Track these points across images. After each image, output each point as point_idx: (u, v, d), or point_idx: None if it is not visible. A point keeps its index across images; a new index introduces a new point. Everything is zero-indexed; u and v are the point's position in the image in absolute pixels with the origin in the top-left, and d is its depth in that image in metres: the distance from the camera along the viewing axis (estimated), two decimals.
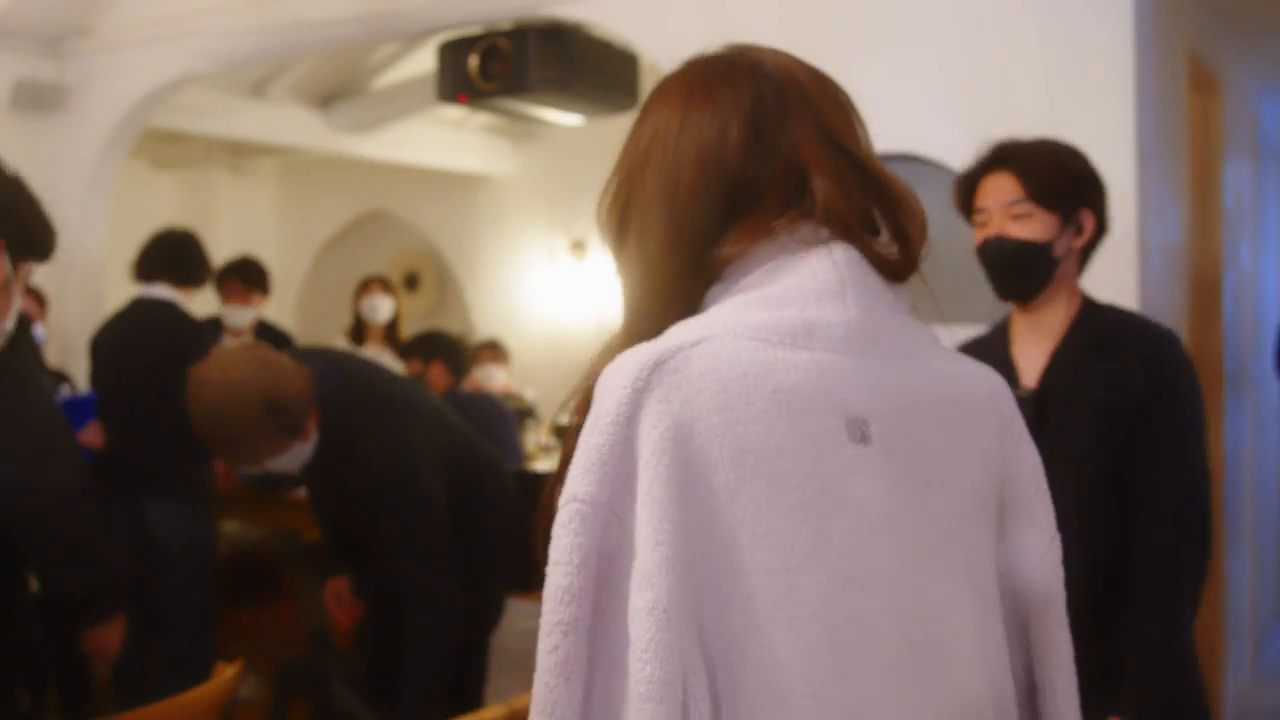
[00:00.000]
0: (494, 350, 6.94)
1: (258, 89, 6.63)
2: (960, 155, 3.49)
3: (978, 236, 2.49)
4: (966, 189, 2.50)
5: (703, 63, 1.31)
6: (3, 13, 4.99)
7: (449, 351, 5.67)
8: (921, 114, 3.57)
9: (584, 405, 1.18)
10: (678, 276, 1.21)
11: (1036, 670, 1.28)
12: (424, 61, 6.26)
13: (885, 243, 1.25)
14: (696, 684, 1.06)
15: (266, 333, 5.58)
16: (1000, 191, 2.42)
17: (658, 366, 1.10)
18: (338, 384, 3.11)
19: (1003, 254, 2.43)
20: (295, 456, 3.07)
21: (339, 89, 7.00)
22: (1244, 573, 5.42)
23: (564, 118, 4.91)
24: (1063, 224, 2.40)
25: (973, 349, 2.57)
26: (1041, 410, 2.37)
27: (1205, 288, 4.52)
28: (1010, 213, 2.40)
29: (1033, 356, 2.49)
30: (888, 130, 3.59)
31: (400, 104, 6.94)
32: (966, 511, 1.21)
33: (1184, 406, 2.38)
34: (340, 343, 6.41)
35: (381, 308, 6.29)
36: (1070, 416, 2.35)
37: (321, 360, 3.17)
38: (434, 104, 6.23)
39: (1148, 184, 3.42)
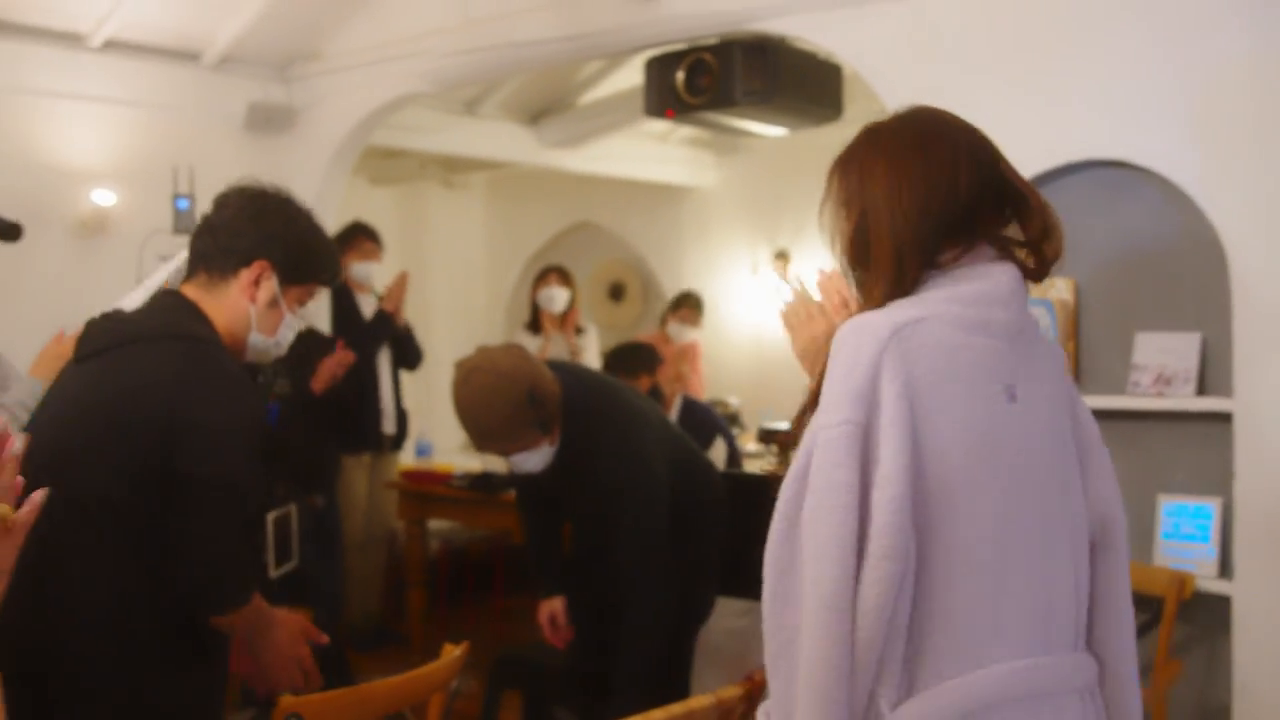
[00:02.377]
0: (688, 308, 7.06)
1: (470, 107, 6.90)
2: (1169, 161, 3.46)
3: None
4: None
5: (910, 118, 1.78)
6: (238, 41, 5.34)
7: (649, 362, 5.77)
8: (1130, 120, 3.53)
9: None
10: (913, 274, 1.70)
11: (1098, 590, 1.76)
12: (629, 77, 6.43)
13: (1024, 254, 1.74)
14: (910, 549, 1.57)
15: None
16: None
17: (894, 334, 1.61)
18: (580, 392, 3.31)
19: None
20: (538, 456, 3.25)
21: (547, 105, 7.22)
22: None
23: (768, 130, 4.99)
24: None
25: None
26: None
27: None
28: None
29: None
30: (1096, 135, 3.61)
31: (606, 119, 7.12)
32: (1069, 452, 1.74)
33: None
34: (519, 334, 6.65)
35: (558, 298, 6.50)
36: None
37: (563, 371, 3.38)
38: (639, 118, 6.39)
39: None
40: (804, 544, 1.58)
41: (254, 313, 2.46)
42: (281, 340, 2.52)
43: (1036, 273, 1.75)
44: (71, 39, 5.01)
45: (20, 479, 1.26)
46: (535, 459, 3.26)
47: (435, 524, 6.50)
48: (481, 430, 3.22)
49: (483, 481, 5.58)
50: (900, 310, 1.65)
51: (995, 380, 1.66)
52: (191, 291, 2.46)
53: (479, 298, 9.36)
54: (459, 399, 3.20)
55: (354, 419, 5.64)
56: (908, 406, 1.59)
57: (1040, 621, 1.67)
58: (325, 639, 2.63)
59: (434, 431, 7.39)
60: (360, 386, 5.46)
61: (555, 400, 3.21)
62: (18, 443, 1.23)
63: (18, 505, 1.28)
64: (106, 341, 2.39)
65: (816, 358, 1.84)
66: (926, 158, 1.71)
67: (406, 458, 6.88)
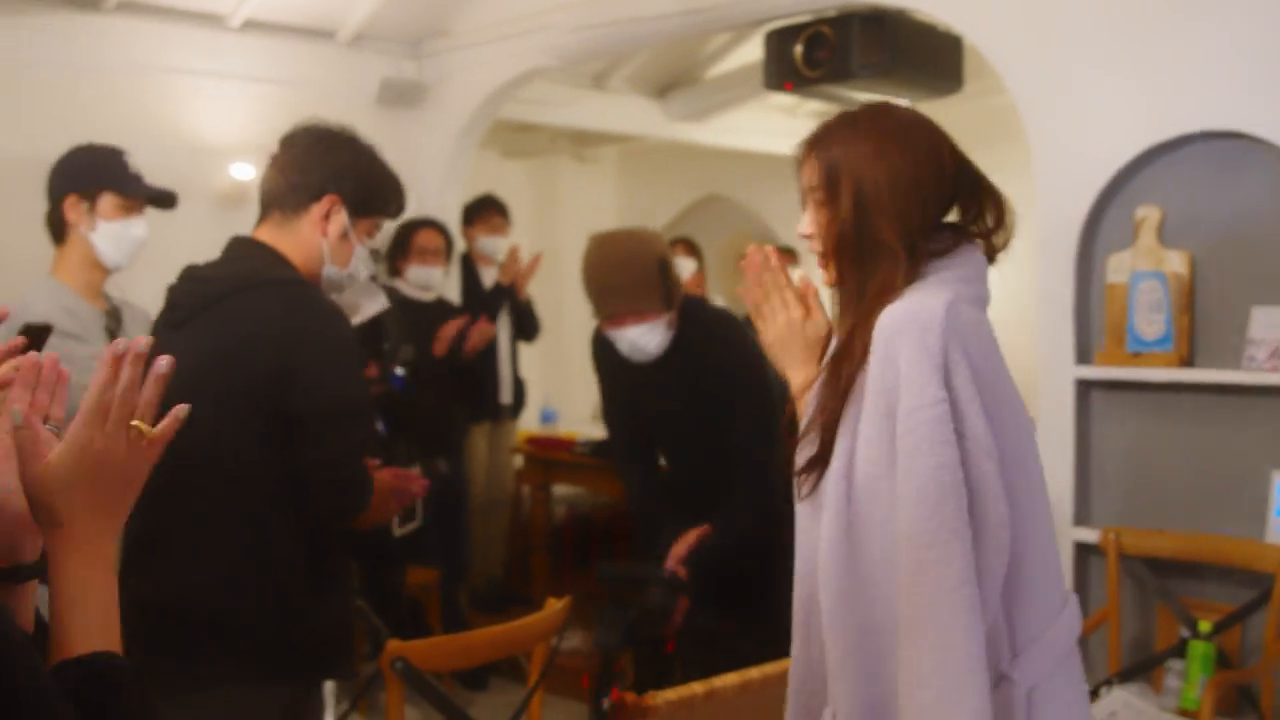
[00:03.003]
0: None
1: (598, 81, 6.99)
2: None
3: None
4: None
5: (881, 109, 1.88)
6: (370, 19, 5.50)
7: None
8: (1246, 91, 3.48)
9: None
10: (923, 259, 1.81)
11: None
12: (755, 51, 6.45)
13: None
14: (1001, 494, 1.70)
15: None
16: None
17: (948, 317, 1.70)
18: (699, 302, 3.71)
19: None
20: (656, 334, 3.37)
21: (674, 79, 7.28)
22: None
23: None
24: None
25: None
26: None
27: None
28: None
29: None
30: (1211, 107, 3.57)
31: (733, 92, 7.15)
32: None
33: None
34: None
35: (684, 268, 6.56)
36: None
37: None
38: (764, 91, 6.42)
39: None
40: (924, 525, 1.64)
41: (326, 246, 2.54)
42: (355, 272, 2.62)
43: (993, 256, 1.91)
44: (213, 20, 5.21)
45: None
46: (653, 337, 3.37)
47: (560, 490, 6.65)
48: (610, 286, 3.34)
49: (605, 448, 5.69)
50: (935, 293, 1.75)
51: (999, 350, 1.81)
52: (265, 234, 2.55)
53: None
54: (591, 259, 3.38)
55: (477, 388, 5.80)
56: (971, 376, 1.70)
57: (1058, 572, 1.85)
58: (420, 482, 2.74)
59: (560, 399, 7.54)
60: (480, 356, 5.61)
61: (680, 284, 3.42)
62: (163, 363, 1.26)
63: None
64: (197, 302, 2.48)
65: (788, 347, 1.98)
66: (915, 144, 1.81)
67: (532, 424, 7.04)
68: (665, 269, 3.34)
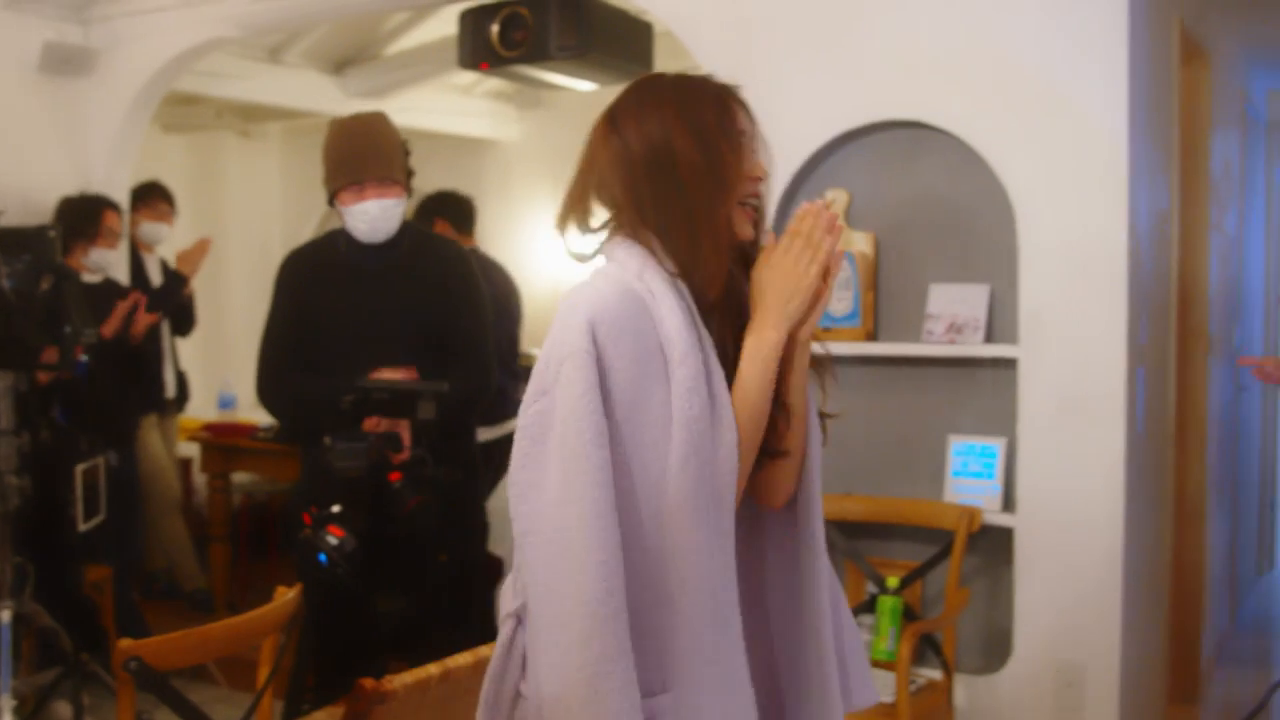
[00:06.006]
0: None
1: (274, 54, 6.78)
2: (962, 122, 3.69)
3: None
4: None
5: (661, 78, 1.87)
6: None
7: (455, 209, 5.78)
8: (925, 82, 3.75)
9: None
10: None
11: None
12: (437, 28, 6.42)
13: None
14: None
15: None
16: None
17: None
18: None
19: None
20: (396, 213, 3.50)
21: (353, 54, 7.15)
22: (1226, 530, 5.65)
23: (580, 85, 5.07)
24: None
25: None
26: None
27: (1192, 252, 4.73)
28: None
29: None
30: (893, 97, 3.82)
31: (413, 70, 7.09)
32: None
33: None
34: None
35: None
36: None
37: None
38: (445, 70, 6.40)
39: (1138, 151, 3.61)
40: None
41: None
42: None
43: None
44: None
45: None
46: (394, 215, 3.48)
47: (238, 477, 6.44)
48: (359, 150, 3.43)
49: (282, 434, 5.54)
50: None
51: None
52: None
53: (275, 249, 9.19)
54: (338, 127, 3.48)
55: (150, 377, 5.58)
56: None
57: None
58: None
59: (237, 385, 7.29)
60: (148, 344, 5.38)
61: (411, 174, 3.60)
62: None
63: None
64: None
65: (787, 299, 1.75)
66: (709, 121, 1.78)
67: (209, 412, 6.80)
68: (407, 153, 3.49)
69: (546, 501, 1.66)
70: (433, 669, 2.40)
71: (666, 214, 1.76)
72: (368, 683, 2.29)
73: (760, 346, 1.75)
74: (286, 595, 2.68)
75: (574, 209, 1.83)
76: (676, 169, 1.75)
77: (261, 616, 2.62)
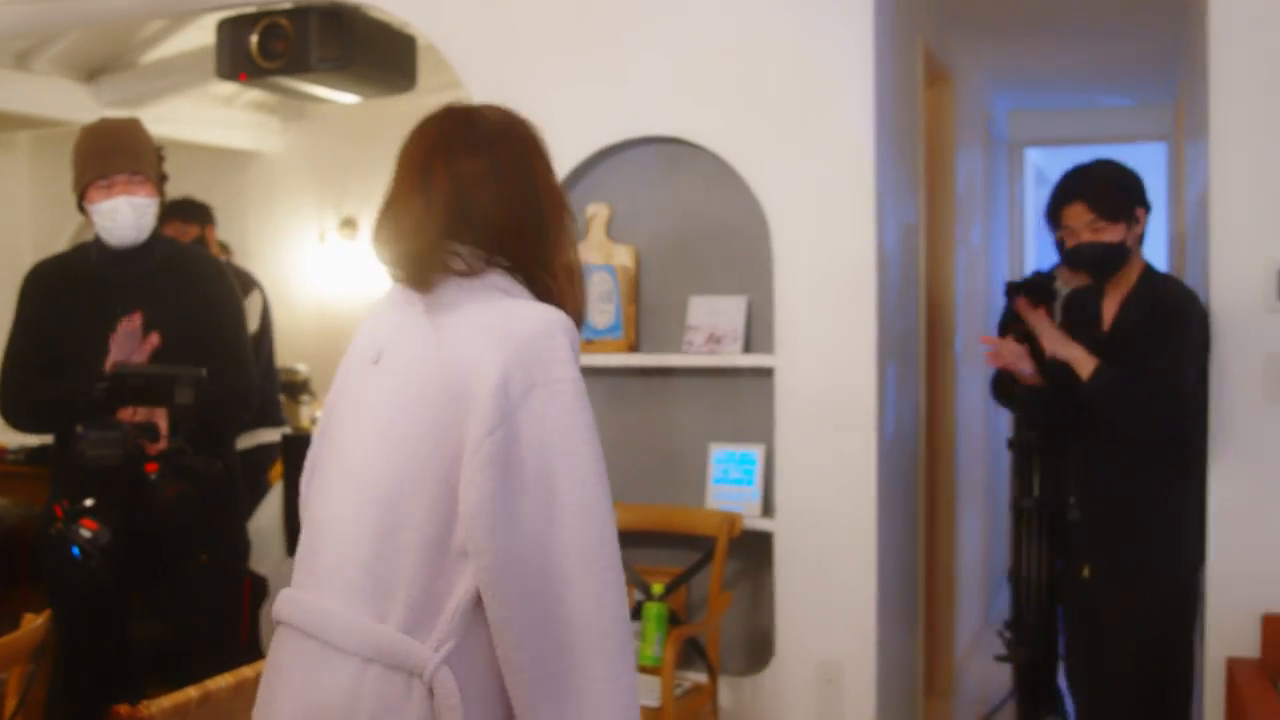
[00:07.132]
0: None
1: (21, 60, 6.49)
2: (718, 139, 3.79)
3: (1069, 242, 3.38)
4: (1053, 213, 3.43)
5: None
6: None
7: (186, 206, 5.54)
8: (683, 100, 3.85)
9: None
10: None
11: None
12: (195, 37, 6.25)
13: None
14: None
15: None
16: (1078, 218, 3.34)
17: None
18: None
19: (1094, 254, 3.35)
20: (148, 212, 3.41)
21: (107, 62, 6.90)
22: (976, 533, 5.93)
23: (342, 97, 5.00)
24: (1127, 226, 3.34)
25: (1080, 294, 3.56)
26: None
27: (939, 264, 4.96)
28: (1090, 229, 3.33)
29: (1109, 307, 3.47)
30: (653, 114, 3.90)
31: (170, 79, 6.87)
32: None
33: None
34: None
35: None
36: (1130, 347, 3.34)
37: None
38: (205, 80, 6.21)
39: (886, 168, 3.77)
40: None
41: None
42: None
43: None
44: None
45: None
46: (147, 214, 3.39)
47: None
48: (111, 146, 3.36)
49: (43, 454, 5.32)
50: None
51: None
52: None
53: (25, 262, 8.78)
54: (93, 125, 3.45)
55: None
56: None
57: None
58: None
59: None
60: None
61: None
62: None
63: None
64: None
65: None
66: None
67: None
68: (161, 157, 3.47)
69: (564, 533, 1.62)
70: (192, 692, 2.35)
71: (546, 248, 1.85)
72: (123, 709, 2.23)
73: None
74: (35, 622, 2.58)
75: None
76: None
77: (8, 645, 2.52)
